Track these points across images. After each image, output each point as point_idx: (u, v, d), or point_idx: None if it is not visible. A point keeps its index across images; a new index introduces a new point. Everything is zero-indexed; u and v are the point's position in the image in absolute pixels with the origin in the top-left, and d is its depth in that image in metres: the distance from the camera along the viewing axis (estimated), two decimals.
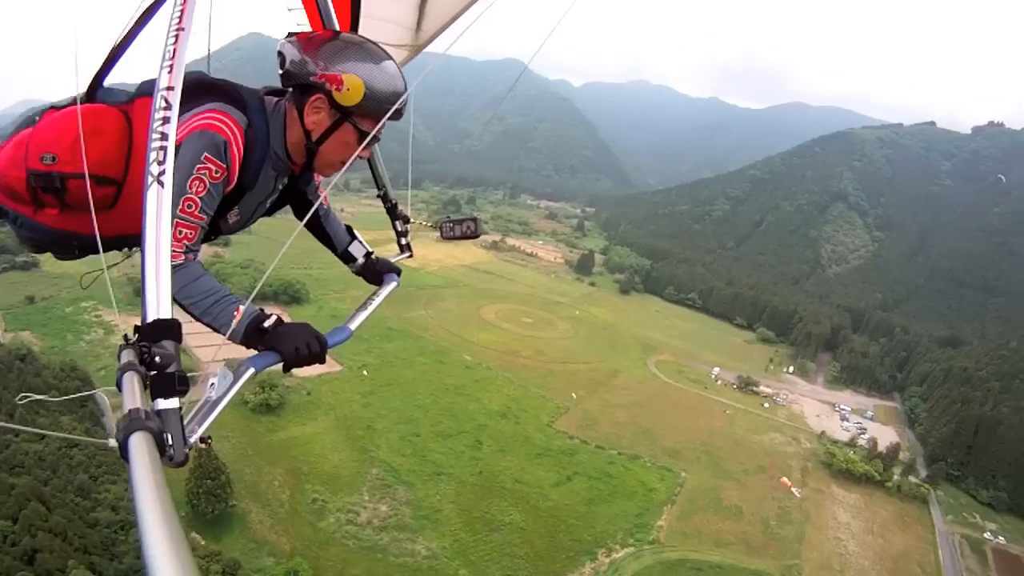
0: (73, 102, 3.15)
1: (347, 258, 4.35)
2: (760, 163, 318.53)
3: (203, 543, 59.92)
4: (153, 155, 2.41)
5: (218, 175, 2.95)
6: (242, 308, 2.66)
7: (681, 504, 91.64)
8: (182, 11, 2.80)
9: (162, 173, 2.38)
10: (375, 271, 4.31)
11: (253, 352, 2.68)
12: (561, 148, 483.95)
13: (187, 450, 1.99)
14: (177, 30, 2.75)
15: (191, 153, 2.86)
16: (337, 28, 4.26)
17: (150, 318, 2.17)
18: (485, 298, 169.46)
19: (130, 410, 1.86)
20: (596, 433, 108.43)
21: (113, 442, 1.78)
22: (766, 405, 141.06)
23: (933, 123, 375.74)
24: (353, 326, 3.26)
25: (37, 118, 3.24)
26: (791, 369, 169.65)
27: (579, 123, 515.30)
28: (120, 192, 3.20)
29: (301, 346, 2.67)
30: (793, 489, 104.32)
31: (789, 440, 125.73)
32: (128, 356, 2.12)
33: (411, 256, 4.90)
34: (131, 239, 3.42)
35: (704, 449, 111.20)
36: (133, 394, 1.95)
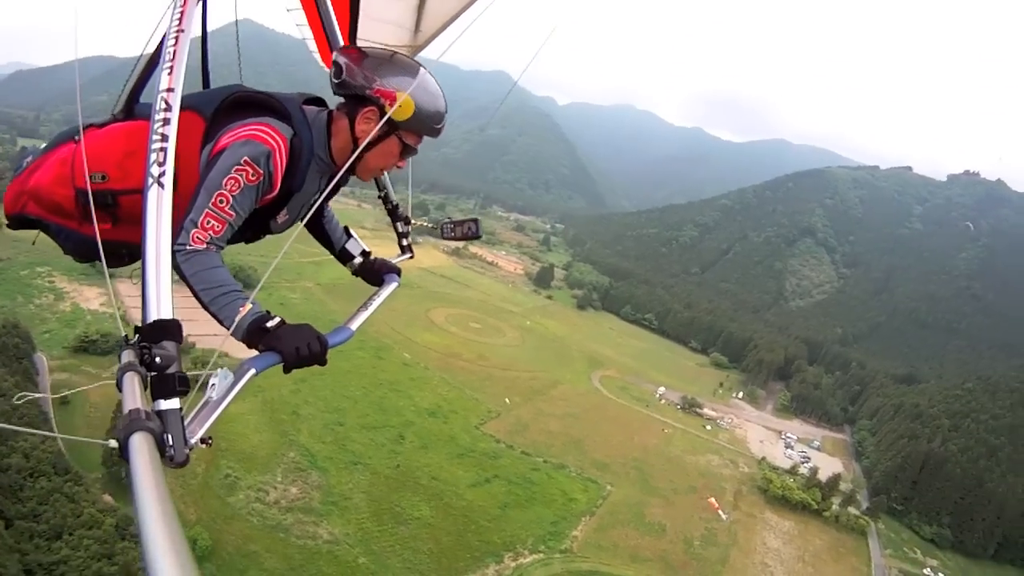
0: (113, 120, 3.38)
1: (345, 256, 4.31)
2: (733, 193, 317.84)
3: (108, 499, 59.48)
4: (153, 156, 2.50)
5: (254, 178, 2.95)
6: (248, 306, 2.62)
7: (601, 516, 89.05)
8: (182, 12, 2.92)
9: (162, 175, 2.46)
10: (374, 271, 4.25)
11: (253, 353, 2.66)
12: (538, 164, 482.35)
13: (187, 451, 1.98)
14: (177, 32, 2.85)
15: (232, 156, 2.91)
16: (338, 42, 4.41)
17: (151, 318, 2.19)
18: (437, 301, 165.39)
19: (130, 410, 1.86)
20: (525, 440, 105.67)
21: (113, 442, 1.76)
22: (708, 427, 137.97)
23: (910, 168, 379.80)
24: (354, 326, 3.19)
25: (78, 137, 3.17)
26: (740, 395, 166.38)
27: (559, 141, 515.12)
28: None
29: (302, 346, 2.60)
30: (720, 511, 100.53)
31: (727, 463, 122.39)
32: (128, 356, 2.13)
33: (412, 257, 4.85)
34: None
35: (635, 465, 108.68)
36: (133, 394, 1.95)
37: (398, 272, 4.24)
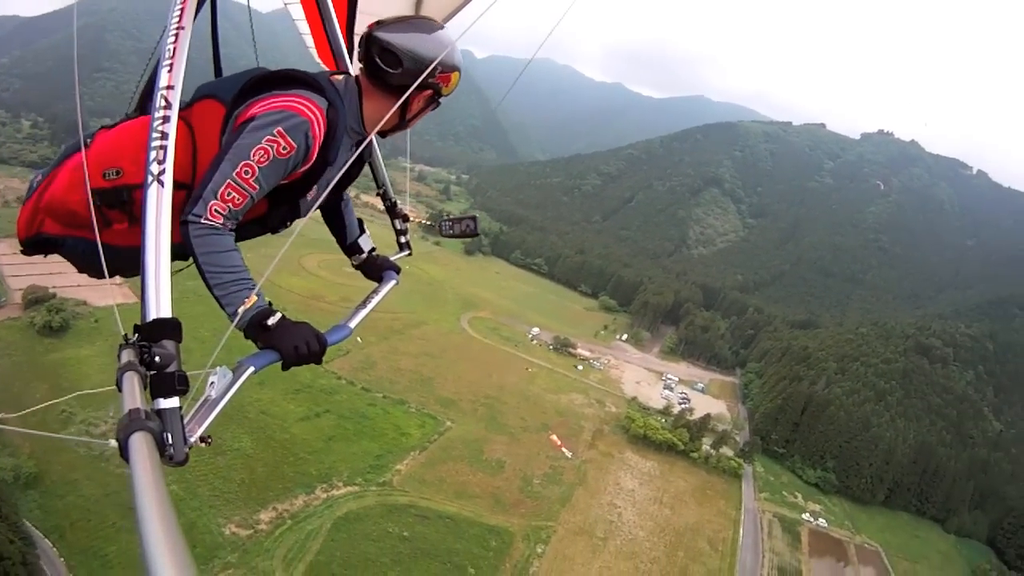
0: (127, 118, 3.31)
1: (353, 250, 4.26)
2: (640, 144, 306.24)
3: None
4: (153, 154, 2.47)
5: (285, 152, 2.77)
6: (253, 299, 2.53)
7: (433, 452, 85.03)
8: (181, 10, 2.92)
9: (162, 172, 2.44)
10: (375, 267, 4.19)
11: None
12: (447, 115, 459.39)
13: (187, 450, 1.98)
14: (177, 29, 2.86)
15: (263, 126, 2.73)
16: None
17: (150, 317, 2.17)
18: (313, 248, 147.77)
19: (130, 410, 1.85)
20: (369, 376, 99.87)
21: (113, 442, 1.76)
22: (579, 368, 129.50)
23: (823, 125, 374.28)
24: (352, 324, 3.17)
25: (89, 141, 3.12)
26: (624, 337, 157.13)
27: (472, 92, 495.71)
28: (190, 194, 2.81)
29: (300, 345, 2.54)
30: (564, 449, 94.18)
31: (592, 402, 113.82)
32: (128, 356, 2.11)
33: (410, 254, 4.75)
34: None
35: (485, 403, 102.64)
36: (133, 394, 1.94)
37: (397, 270, 4.16)
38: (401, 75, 3.07)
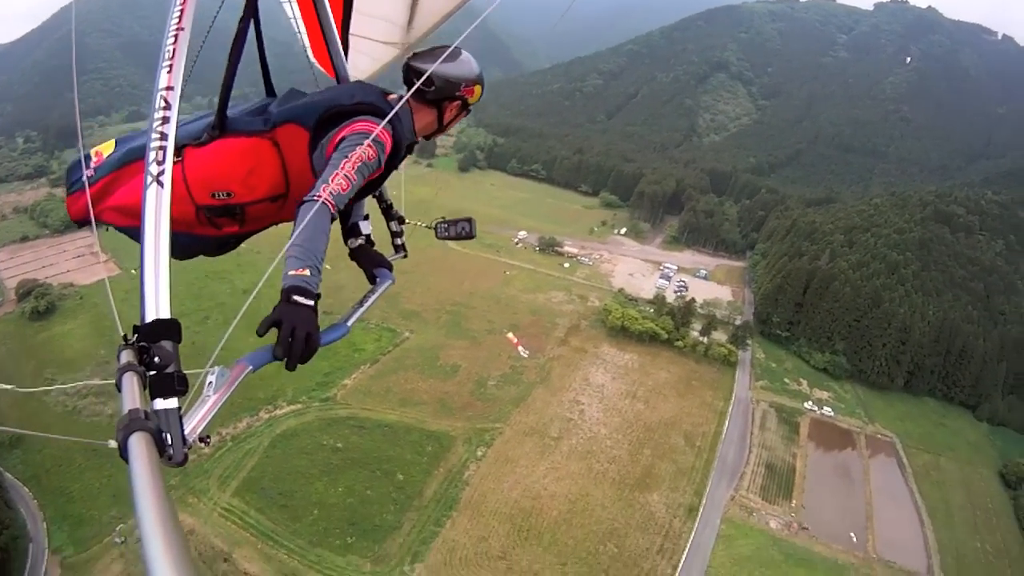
0: (210, 138, 3.56)
1: (352, 232, 4.35)
2: (640, 38, 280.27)
3: None
4: (152, 155, 2.51)
5: (373, 157, 3.27)
6: (305, 272, 2.59)
7: (384, 364, 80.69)
8: (181, 11, 2.95)
9: (161, 173, 2.48)
10: (370, 259, 4.27)
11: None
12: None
13: (186, 450, 1.96)
14: (176, 30, 2.88)
15: (359, 139, 3.26)
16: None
17: (149, 318, 2.17)
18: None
19: (129, 410, 1.83)
20: (333, 300, 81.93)
21: (113, 443, 1.73)
22: (566, 265, 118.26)
23: None
24: (350, 323, 3.26)
25: (178, 158, 3.34)
26: (623, 231, 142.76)
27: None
28: (286, 199, 3.67)
29: (297, 332, 2.51)
30: (520, 348, 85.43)
31: (573, 299, 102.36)
32: (127, 356, 2.11)
33: (405, 256, 4.81)
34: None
35: (451, 310, 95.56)
36: (132, 394, 1.93)
37: (391, 268, 4.25)
38: (435, 91, 3.76)
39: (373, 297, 3.78)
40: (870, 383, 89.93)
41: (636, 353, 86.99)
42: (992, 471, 75.87)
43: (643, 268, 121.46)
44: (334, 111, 3.48)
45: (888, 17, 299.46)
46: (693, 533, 59.65)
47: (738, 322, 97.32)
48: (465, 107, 4.01)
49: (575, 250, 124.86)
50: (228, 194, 3.40)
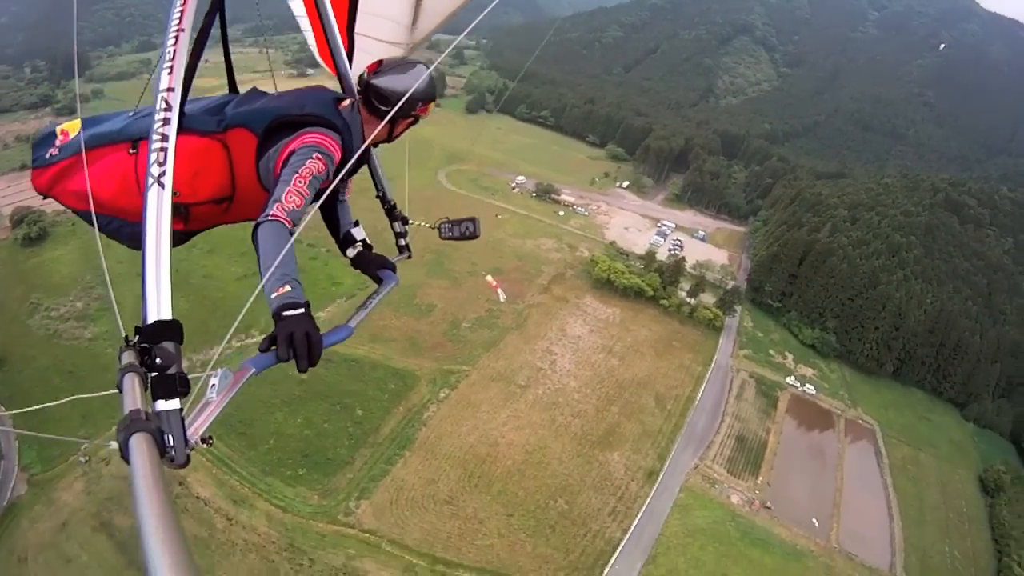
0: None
1: (347, 241, 4.35)
2: None
3: None
4: (153, 156, 2.53)
5: (322, 170, 3.29)
6: (287, 289, 2.60)
7: (359, 298, 69.28)
8: (182, 13, 2.97)
9: (162, 175, 2.49)
10: (371, 263, 4.24)
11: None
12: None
13: (188, 451, 1.95)
14: (177, 31, 2.91)
15: (307, 153, 3.28)
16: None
17: (150, 319, 2.15)
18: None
19: (131, 411, 1.82)
20: (318, 235, 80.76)
21: (114, 443, 1.73)
22: (560, 214, 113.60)
23: None
24: (353, 324, 3.19)
25: (133, 151, 3.41)
26: (625, 184, 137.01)
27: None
28: (231, 202, 3.68)
29: (297, 337, 2.47)
30: (499, 291, 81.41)
31: (563, 247, 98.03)
32: (129, 357, 2.09)
33: (410, 257, 4.75)
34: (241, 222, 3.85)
35: (437, 250, 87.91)
36: (134, 395, 1.91)
37: (394, 269, 4.21)
38: (391, 111, 3.69)
39: (377, 298, 3.70)
40: (858, 366, 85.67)
41: (619, 308, 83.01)
42: (972, 474, 71.94)
43: (640, 223, 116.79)
44: (283, 120, 3.45)
45: (923, 0, 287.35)
46: (649, 498, 56.48)
47: (730, 287, 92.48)
48: (416, 121, 3.99)
49: (572, 199, 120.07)
50: (175, 193, 2.87)
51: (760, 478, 62.53)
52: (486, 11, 3.53)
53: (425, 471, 55.34)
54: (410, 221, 4.85)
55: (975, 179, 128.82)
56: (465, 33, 3.83)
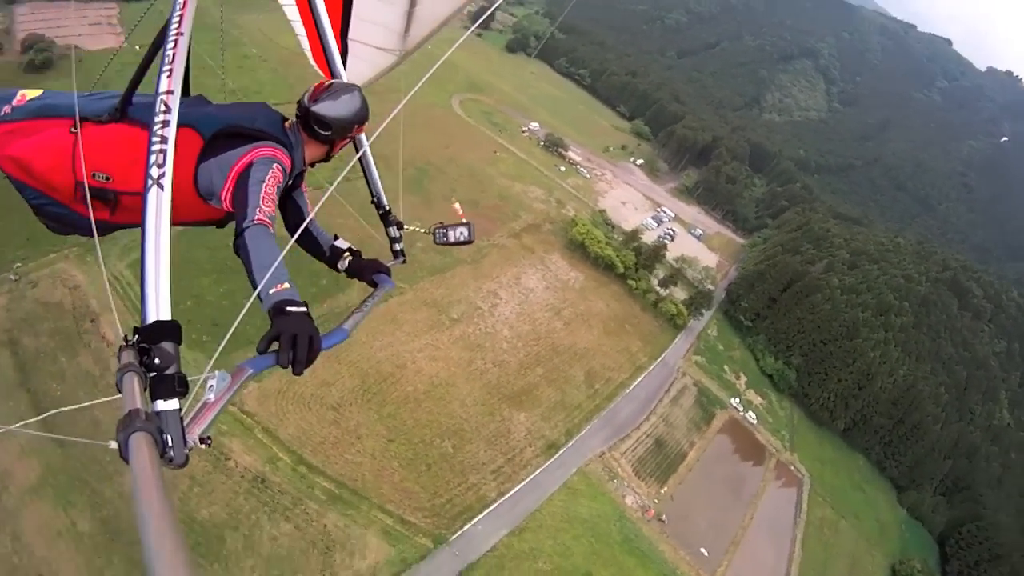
0: (111, 119, 3.44)
1: (334, 254, 4.30)
2: None
3: None
4: (153, 158, 2.52)
5: (281, 179, 3.33)
6: (287, 286, 2.65)
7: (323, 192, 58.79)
8: (181, 16, 3.01)
9: (161, 176, 2.48)
10: (365, 269, 4.21)
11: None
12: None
13: (186, 452, 1.95)
14: (176, 35, 2.94)
15: (268, 164, 3.30)
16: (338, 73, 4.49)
17: (150, 319, 2.15)
18: None
19: (130, 411, 1.81)
20: None
21: (113, 443, 1.73)
22: (561, 169, 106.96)
23: (949, 42, 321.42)
24: (348, 326, 3.16)
25: (74, 130, 3.35)
26: (638, 161, 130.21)
27: None
28: None
29: (299, 350, 2.45)
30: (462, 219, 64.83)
31: (550, 200, 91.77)
32: (128, 357, 2.08)
33: (404, 262, 4.79)
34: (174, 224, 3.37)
35: (420, 167, 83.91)
36: (133, 395, 1.91)
37: (389, 272, 4.18)
38: (331, 135, 3.72)
39: (373, 302, 3.60)
40: (810, 412, 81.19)
41: (583, 275, 77.97)
42: (886, 561, 67.64)
43: (639, 202, 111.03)
44: (234, 130, 3.42)
45: (995, 85, 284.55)
46: (540, 470, 52.93)
47: (705, 289, 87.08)
48: (351, 140, 4.01)
49: (579, 159, 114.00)
50: (107, 178, 3.26)
51: (665, 488, 58.41)
52: (487, 14, 3.46)
53: (323, 372, 51.84)
54: (405, 226, 4.71)
55: (989, 272, 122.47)
56: (465, 36, 3.53)
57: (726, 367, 79.38)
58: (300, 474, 44.54)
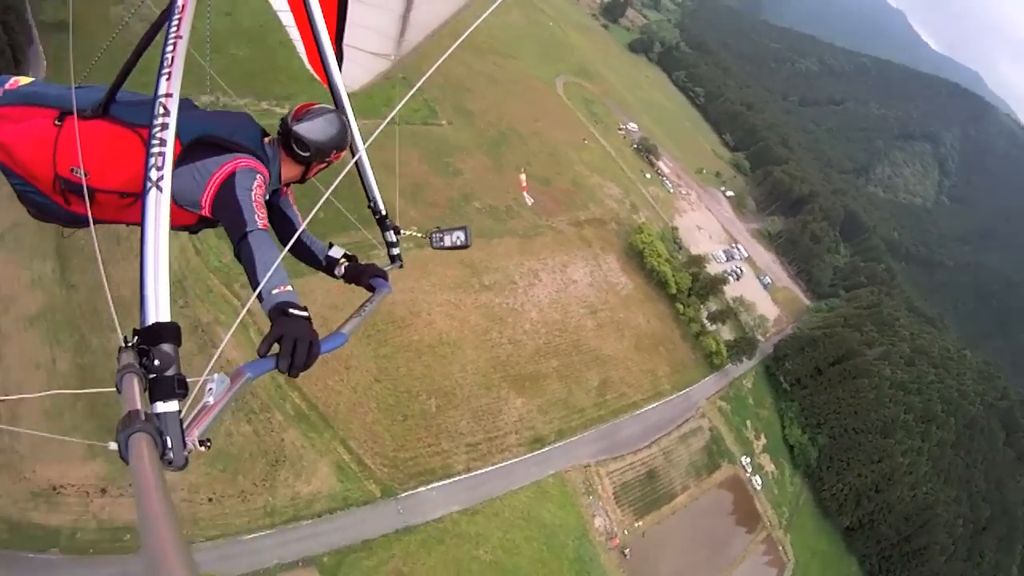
0: (93, 115, 3.38)
1: (330, 264, 4.25)
2: (879, 61, 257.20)
3: None
4: (152, 160, 2.50)
5: (264, 190, 3.33)
6: (289, 288, 2.70)
7: (404, 134, 68.45)
8: (180, 20, 2.97)
9: (160, 179, 2.46)
10: (362, 274, 4.14)
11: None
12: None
13: (186, 453, 1.95)
14: (175, 38, 2.89)
15: (251, 175, 3.28)
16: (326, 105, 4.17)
17: (149, 321, 2.15)
18: None
19: (130, 412, 1.80)
20: (412, 62, 77.73)
21: (113, 444, 1.72)
22: (647, 176, 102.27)
23: None
24: (346, 331, 3.10)
25: (59, 123, 3.32)
26: (728, 192, 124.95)
27: None
28: (138, 200, 3.28)
29: (301, 342, 2.50)
30: (525, 193, 74.84)
31: (624, 203, 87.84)
32: (128, 358, 2.08)
33: (401, 266, 4.73)
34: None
35: (504, 132, 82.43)
36: (133, 396, 1.89)
37: (386, 277, 4.10)
38: (309, 157, 3.70)
39: (370, 307, 3.51)
40: (819, 498, 75.55)
41: (633, 284, 74.03)
42: None
43: (716, 232, 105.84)
44: (212, 140, 3.36)
45: None
46: (516, 460, 50.09)
47: (753, 338, 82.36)
48: (328, 165, 3.99)
49: (667, 171, 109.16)
50: (84, 174, 3.18)
51: (640, 523, 54.82)
52: (480, 20, 3.36)
53: (336, 295, 48.98)
54: (402, 231, 4.66)
55: None
56: (464, 36, 3.37)
57: (749, 423, 74.57)
58: (277, 383, 42.83)
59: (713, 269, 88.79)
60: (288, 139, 3.68)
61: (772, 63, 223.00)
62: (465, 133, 76.84)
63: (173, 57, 2.75)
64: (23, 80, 3.62)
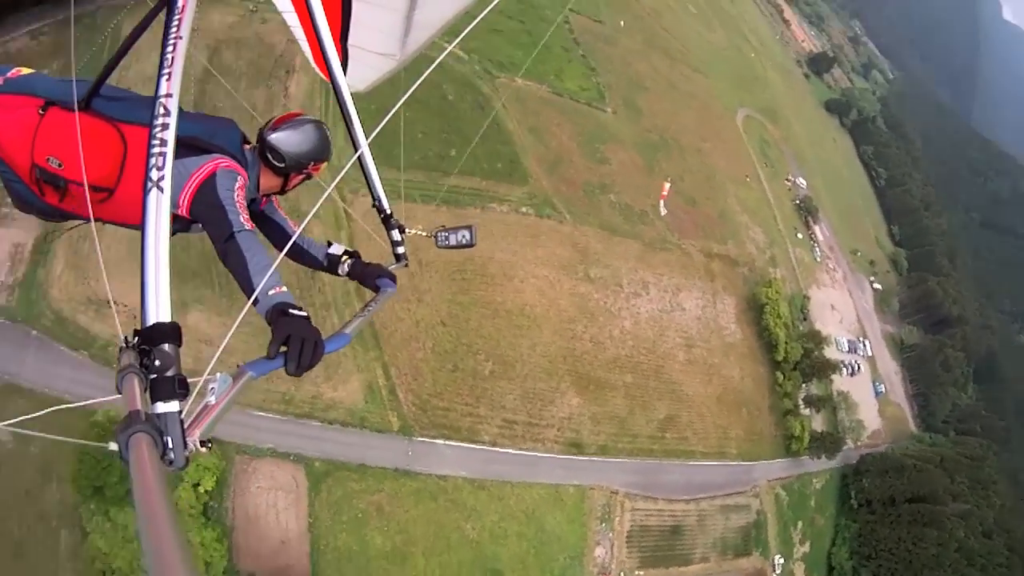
0: (77, 107, 3.34)
1: (332, 262, 4.25)
2: None
3: None
4: (152, 160, 2.49)
5: (245, 193, 3.36)
6: (285, 289, 2.72)
7: (564, 104, 69.95)
8: (180, 20, 2.96)
9: (161, 179, 2.44)
10: (367, 273, 4.17)
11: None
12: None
13: (187, 454, 1.94)
14: (175, 39, 2.88)
15: (231, 177, 3.31)
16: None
17: (150, 321, 2.13)
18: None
19: (130, 412, 1.81)
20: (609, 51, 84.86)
21: (113, 445, 1.73)
22: (798, 235, 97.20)
23: None
24: (350, 331, 3.09)
25: (42, 111, 3.30)
26: (875, 285, 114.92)
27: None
28: (111, 196, 3.43)
29: (307, 341, 2.49)
30: (663, 203, 72.06)
31: (766, 252, 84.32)
32: (128, 358, 2.08)
33: (407, 265, 4.71)
34: (118, 224, 3.67)
35: (667, 139, 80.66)
36: (133, 396, 1.90)
37: (393, 278, 4.12)
38: (285, 167, 3.75)
39: (375, 307, 3.57)
40: None
41: (741, 332, 69.52)
42: None
43: (848, 319, 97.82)
44: (192, 141, 3.34)
45: None
46: (544, 455, 48.56)
47: (840, 439, 75.61)
48: (309, 177, 3.99)
49: (821, 239, 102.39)
50: (59, 164, 3.19)
51: (641, 573, 51.59)
52: (478, 19, 3.49)
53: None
54: (407, 230, 4.62)
55: None
56: (462, 36, 3.64)
57: (800, 524, 68.63)
58: (347, 290, 42.13)
59: (830, 354, 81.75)
60: (263, 148, 3.66)
61: (965, 171, 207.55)
62: (626, 127, 75.07)
63: (173, 58, 2.69)
64: (25, 70, 3.52)
